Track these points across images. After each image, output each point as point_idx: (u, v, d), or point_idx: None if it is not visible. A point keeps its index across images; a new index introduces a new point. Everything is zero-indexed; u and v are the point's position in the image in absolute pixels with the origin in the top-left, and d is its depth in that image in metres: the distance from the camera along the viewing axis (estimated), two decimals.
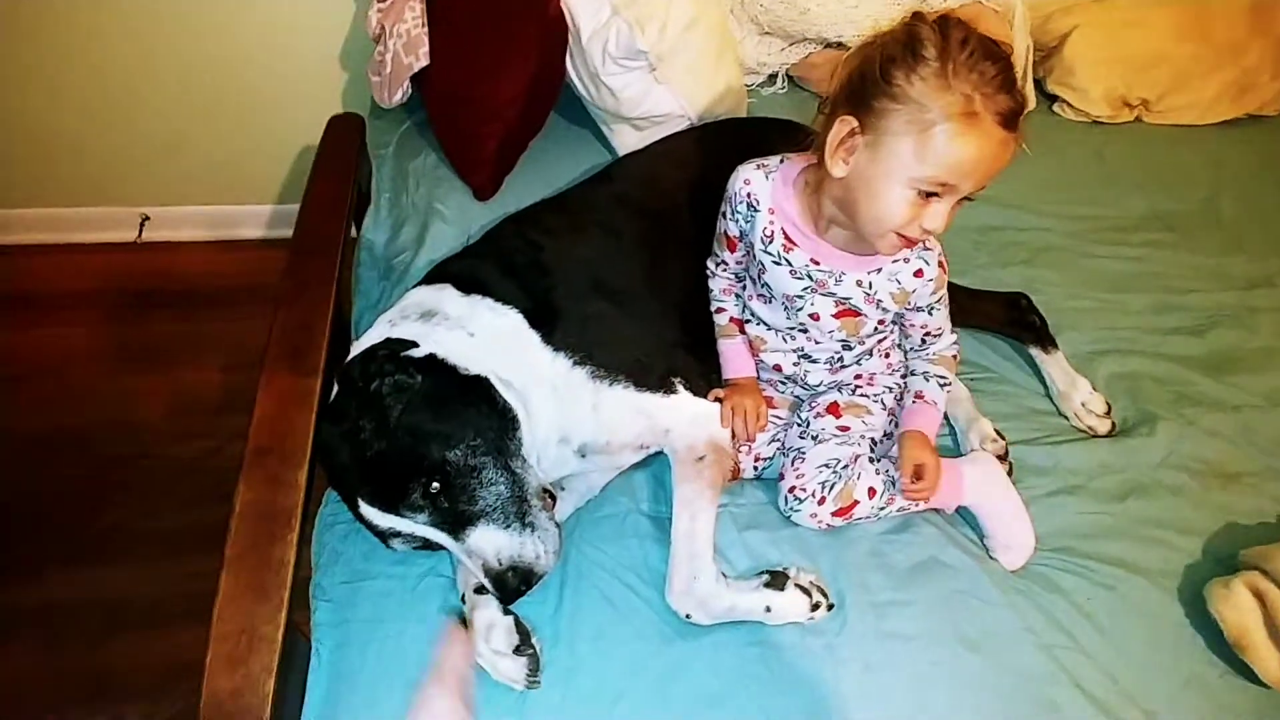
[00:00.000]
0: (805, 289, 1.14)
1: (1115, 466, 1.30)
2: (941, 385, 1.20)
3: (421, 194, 1.57)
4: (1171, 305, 1.58)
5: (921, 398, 1.20)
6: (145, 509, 1.76)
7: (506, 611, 0.98)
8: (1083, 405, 1.37)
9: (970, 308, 1.45)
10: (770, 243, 1.13)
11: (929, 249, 1.10)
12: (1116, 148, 1.94)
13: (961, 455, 1.30)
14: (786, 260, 1.13)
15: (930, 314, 1.17)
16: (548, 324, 1.15)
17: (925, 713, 1.01)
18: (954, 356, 1.23)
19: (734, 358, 1.26)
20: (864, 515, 1.14)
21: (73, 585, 1.64)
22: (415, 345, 1.05)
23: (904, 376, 1.25)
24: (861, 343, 1.20)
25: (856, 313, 1.14)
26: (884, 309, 1.14)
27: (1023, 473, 1.27)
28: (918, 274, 1.10)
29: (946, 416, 1.35)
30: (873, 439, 1.19)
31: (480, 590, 0.99)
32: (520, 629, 0.97)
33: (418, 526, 0.97)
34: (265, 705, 0.84)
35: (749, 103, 1.81)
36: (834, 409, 1.20)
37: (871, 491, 1.13)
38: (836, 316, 1.15)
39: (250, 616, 0.90)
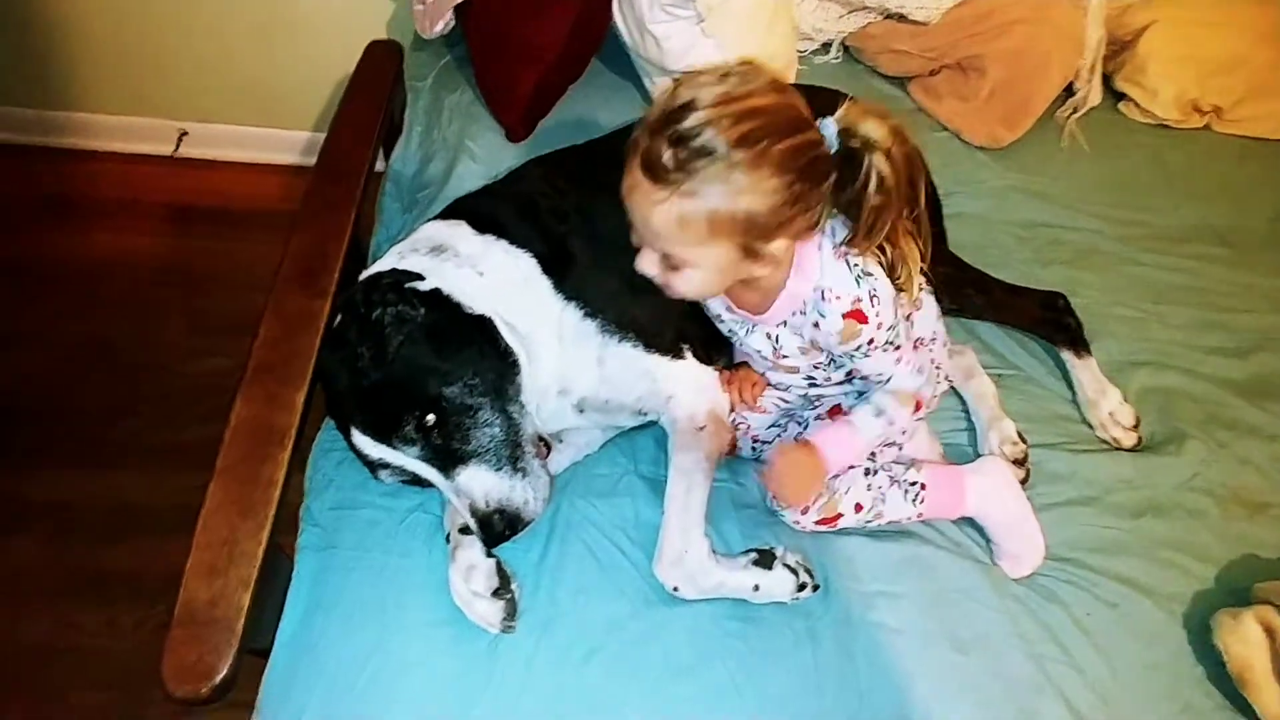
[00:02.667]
0: (729, 332, 1.12)
1: (1135, 482, 1.25)
2: (878, 414, 1.05)
3: (454, 130, 1.54)
4: (1216, 323, 1.51)
5: (839, 412, 1.11)
6: (160, 420, 1.79)
7: (489, 554, 0.97)
8: (1110, 415, 1.32)
9: (1005, 302, 1.40)
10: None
11: (828, 299, 0.96)
12: (1180, 154, 1.84)
13: (977, 453, 1.26)
14: (707, 305, 1.10)
15: (862, 359, 1.02)
16: (561, 272, 1.12)
17: (903, 707, 0.99)
18: (914, 394, 1.06)
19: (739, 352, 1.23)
20: (850, 525, 1.10)
21: (83, 485, 1.67)
22: (421, 278, 1.03)
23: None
24: (827, 377, 1.11)
25: (783, 361, 1.08)
26: (803, 356, 1.06)
27: (1039, 478, 1.23)
28: (815, 325, 0.99)
29: (967, 412, 1.31)
30: (872, 451, 1.12)
31: (465, 530, 0.98)
32: (501, 573, 0.96)
33: (408, 460, 0.96)
34: (239, 618, 0.84)
35: (799, 69, 1.74)
36: (835, 413, 1.15)
37: (858, 507, 1.09)
38: (768, 358, 1.10)
39: (233, 529, 0.90)
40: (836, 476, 1.09)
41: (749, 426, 1.19)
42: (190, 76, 2.20)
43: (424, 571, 0.99)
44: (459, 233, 1.13)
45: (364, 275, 1.10)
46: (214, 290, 2.05)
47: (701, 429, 1.10)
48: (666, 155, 0.83)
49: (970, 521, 1.17)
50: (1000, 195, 1.67)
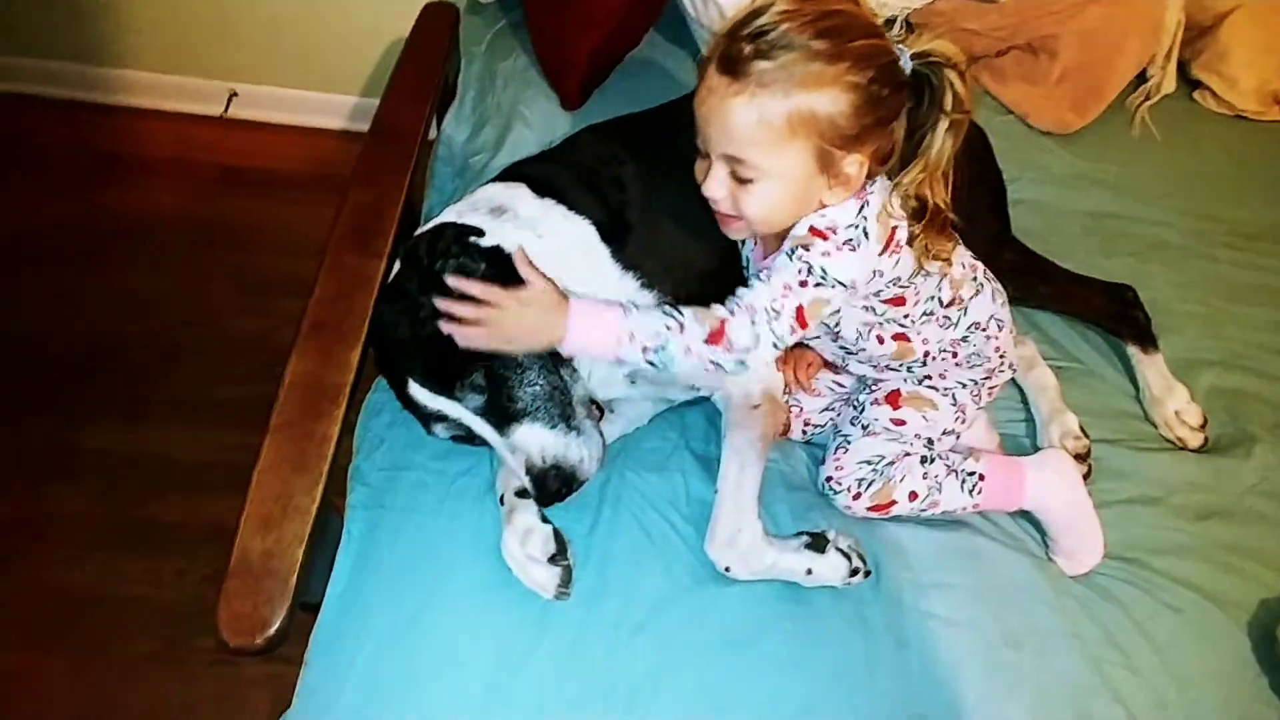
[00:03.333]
0: None
1: (1201, 484, 1.21)
2: (664, 315, 0.89)
3: (507, 96, 1.52)
4: None
5: (898, 396, 1.08)
6: (202, 378, 1.81)
7: (545, 520, 0.96)
8: (1176, 414, 1.27)
9: (1071, 293, 1.35)
10: (743, 245, 1.10)
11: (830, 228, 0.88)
12: (1258, 147, 1.76)
13: (1036, 446, 1.23)
14: (747, 259, 1.08)
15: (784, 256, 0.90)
16: (620, 240, 1.10)
17: (954, 700, 0.97)
18: (723, 322, 0.89)
19: None
20: (903, 514, 1.08)
21: (128, 438, 1.69)
22: (481, 233, 1.01)
23: (987, 371, 1.13)
24: (861, 348, 1.06)
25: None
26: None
27: (1100, 475, 1.19)
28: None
29: (1026, 404, 1.27)
30: (930, 437, 1.10)
31: (521, 494, 0.97)
32: (559, 539, 0.95)
33: (465, 413, 0.95)
34: (293, 571, 0.83)
35: None
36: (893, 398, 1.11)
37: (913, 495, 1.06)
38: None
39: (288, 485, 0.89)
40: (891, 464, 1.06)
41: (802, 409, 1.16)
42: (242, 37, 2.20)
43: (473, 534, 0.98)
44: (518, 195, 1.11)
45: (418, 235, 1.09)
46: (258, 252, 2.06)
47: (756, 407, 1.08)
48: (746, 49, 0.82)
49: (1027, 515, 1.14)
50: (1066, 183, 1.61)
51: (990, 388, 1.15)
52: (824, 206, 0.91)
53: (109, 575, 1.52)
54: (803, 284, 0.89)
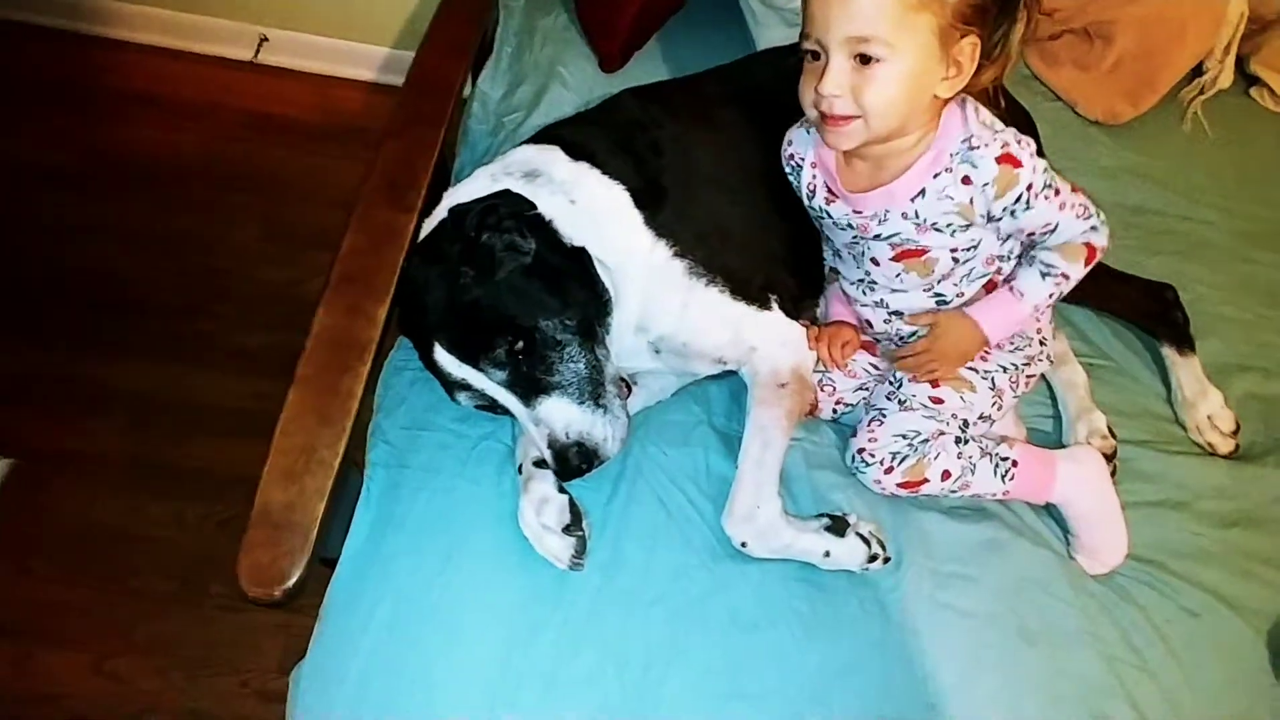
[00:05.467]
0: (854, 238, 1.07)
1: (1229, 491, 1.19)
2: (1045, 275, 1.03)
3: (546, 54, 1.49)
4: None
5: (1008, 285, 1.06)
6: (229, 324, 1.82)
7: (561, 490, 0.95)
8: (1208, 419, 1.25)
9: (1109, 289, 1.32)
10: (814, 197, 1.09)
11: (976, 147, 0.95)
12: None
13: (1060, 443, 1.21)
14: (828, 214, 1.07)
15: (1024, 212, 0.97)
16: (653, 206, 1.08)
17: (968, 694, 0.96)
18: (1087, 246, 1.02)
19: (834, 299, 1.20)
20: (932, 493, 1.07)
21: (157, 379, 1.71)
22: (533, 206, 1.00)
23: (1027, 357, 1.12)
24: (959, 293, 1.07)
25: (919, 250, 1.03)
26: (952, 233, 1.01)
27: (1126, 476, 1.17)
28: (965, 180, 0.96)
29: (1054, 399, 1.25)
30: (966, 419, 1.08)
31: (539, 464, 0.96)
32: (574, 510, 0.94)
33: (490, 383, 0.94)
34: (314, 525, 0.84)
35: None
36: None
37: (946, 474, 1.05)
38: (897, 259, 1.05)
39: (311, 437, 0.89)
40: (925, 440, 1.05)
41: (835, 388, 1.15)
42: None
43: (493, 499, 0.97)
44: (552, 158, 1.09)
45: (451, 194, 1.07)
46: (284, 200, 2.05)
47: (783, 386, 1.06)
48: None
49: (1051, 511, 1.12)
50: (1111, 175, 1.57)
51: (1028, 376, 1.13)
52: (938, 101, 0.95)
53: (134, 513, 1.55)
54: (1054, 189, 0.98)
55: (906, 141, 0.98)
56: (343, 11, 2.23)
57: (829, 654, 0.95)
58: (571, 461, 0.91)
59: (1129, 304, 1.34)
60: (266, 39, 2.30)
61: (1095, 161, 1.58)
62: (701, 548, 0.99)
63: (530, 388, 0.94)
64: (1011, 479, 1.07)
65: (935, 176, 0.98)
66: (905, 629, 0.98)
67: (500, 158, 1.11)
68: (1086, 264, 1.03)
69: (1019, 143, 0.96)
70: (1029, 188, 0.96)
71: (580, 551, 0.92)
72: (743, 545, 0.97)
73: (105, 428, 1.64)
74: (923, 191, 0.99)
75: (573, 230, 1.02)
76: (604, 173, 1.08)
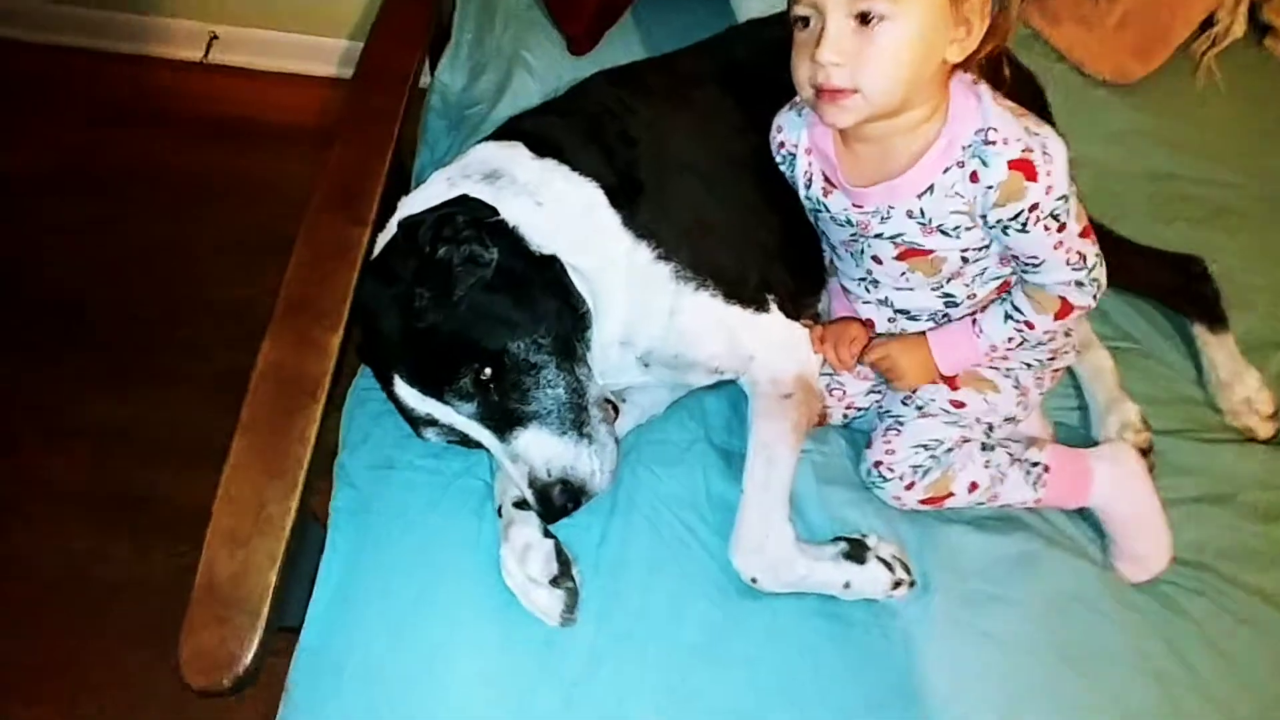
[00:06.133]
0: (853, 235, 0.96)
1: (1273, 481, 1.10)
2: (1008, 318, 0.93)
3: (508, 38, 1.37)
4: None
5: (971, 317, 0.97)
6: (188, 345, 1.72)
7: (547, 533, 0.85)
8: (1246, 401, 1.15)
9: (1131, 264, 1.21)
10: (810, 188, 0.98)
11: (993, 141, 0.83)
12: None
13: (1089, 437, 1.11)
14: (825, 207, 0.97)
15: (1017, 232, 0.86)
16: (631, 204, 0.97)
17: None
18: (1062, 300, 0.91)
19: (835, 295, 1.09)
20: (958, 506, 0.98)
21: (119, 408, 1.61)
22: (495, 212, 0.88)
23: (1052, 350, 1.01)
24: (970, 294, 0.97)
25: (924, 250, 0.93)
26: (958, 235, 0.90)
27: (1163, 469, 1.07)
28: (974, 177, 0.85)
29: (1080, 392, 1.15)
30: (990, 423, 0.99)
31: (520, 505, 0.86)
32: (561, 557, 0.84)
33: (458, 417, 0.84)
34: (265, 599, 0.73)
35: None
36: (951, 379, 1.00)
37: (973, 486, 0.96)
38: (901, 258, 0.95)
39: (259, 492, 0.79)
40: (949, 450, 0.95)
41: (844, 393, 1.05)
42: None
43: (472, 546, 0.87)
44: (515, 155, 0.97)
45: (407, 201, 0.96)
46: (244, 210, 1.93)
47: (788, 396, 0.96)
48: None
49: (1085, 514, 1.03)
50: (1121, 140, 1.46)
51: (1054, 370, 1.04)
52: (947, 66, 0.85)
53: (97, 556, 1.45)
54: (1060, 222, 0.86)
55: (913, 118, 0.87)
56: (297, 4, 2.10)
57: (853, 695, 0.86)
58: (555, 501, 0.81)
59: (1151, 280, 1.24)
60: (217, 37, 2.17)
61: (1105, 125, 1.47)
62: (706, 584, 0.89)
63: (504, 419, 0.83)
64: (1044, 486, 0.98)
65: (945, 171, 0.86)
66: (936, 662, 0.89)
67: (459, 158, 0.99)
68: (1057, 319, 0.92)
69: (1044, 153, 0.83)
70: (1033, 208, 0.84)
71: (572, 605, 0.82)
72: (753, 581, 0.88)
73: (65, 463, 1.54)
74: (930, 188, 0.88)
75: (541, 236, 0.91)
76: (573, 169, 0.97)
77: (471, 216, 0.86)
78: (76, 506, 1.50)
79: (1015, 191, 0.83)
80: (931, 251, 0.93)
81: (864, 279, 1.02)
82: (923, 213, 0.90)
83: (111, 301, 1.75)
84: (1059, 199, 0.84)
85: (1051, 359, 1.02)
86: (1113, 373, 1.15)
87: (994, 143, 0.83)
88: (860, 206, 0.93)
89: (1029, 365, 1.01)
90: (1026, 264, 0.90)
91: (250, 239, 1.86)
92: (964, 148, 0.85)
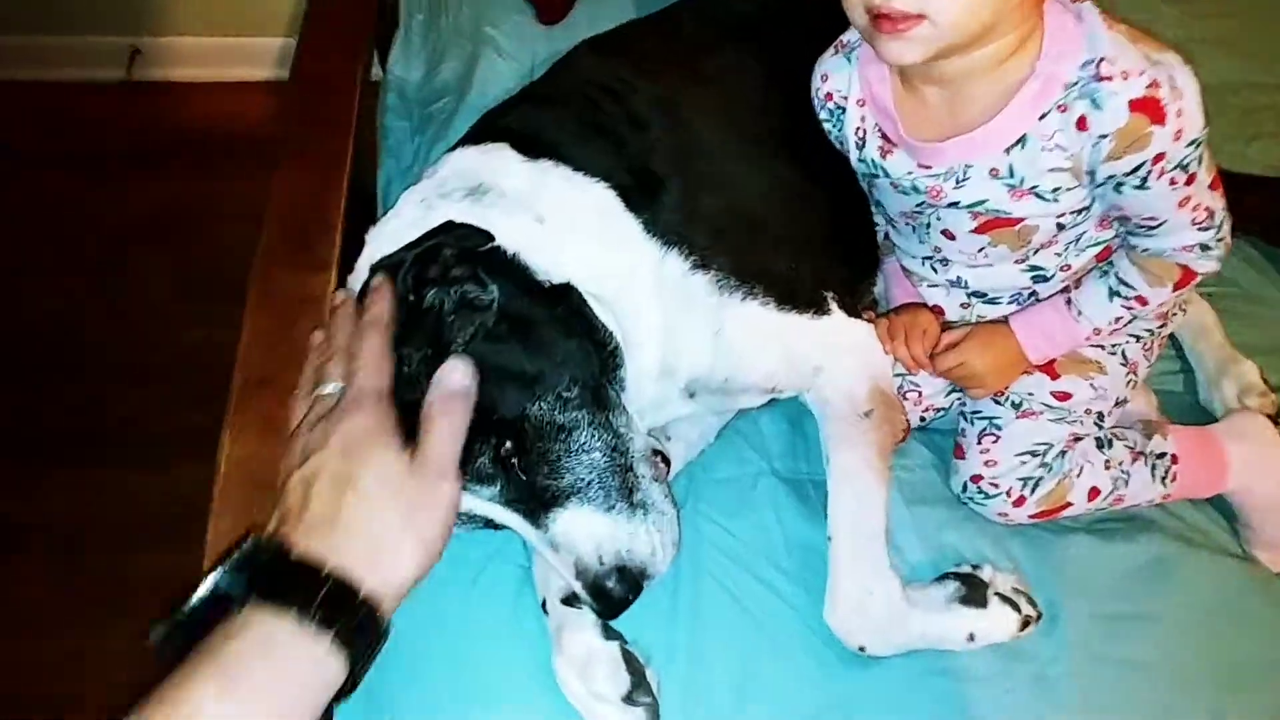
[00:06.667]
0: (918, 205, 0.79)
1: None
2: (1114, 294, 0.78)
3: (467, 15, 1.17)
4: None
5: (1065, 295, 0.81)
6: (154, 405, 1.53)
7: (608, 631, 0.69)
8: None
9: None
10: (863, 148, 0.81)
11: (1107, 77, 0.66)
12: None
13: (1198, 405, 0.97)
14: (884, 170, 0.80)
15: (1133, 190, 0.70)
16: (652, 205, 0.79)
17: None
18: (1183, 269, 0.76)
19: (895, 278, 0.93)
20: (1077, 514, 0.84)
21: (78, 491, 1.44)
22: (488, 237, 0.71)
23: (1161, 315, 0.86)
24: (1063, 265, 0.81)
25: (1010, 220, 0.76)
26: (1057, 198, 0.73)
27: None
28: (1080, 124, 0.68)
29: (1183, 356, 1.00)
30: (1101, 411, 0.84)
31: (569, 600, 0.70)
32: (633, 665, 0.68)
33: (480, 503, 0.68)
34: None
35: None
36: (1049, 365, 0.84)
37: (1094, 492, 0.82)
38: (980, 231, 0.78)
39: None
40: (1061, 454, 0.80)
41: (921, 394, 0.89)
42: None
43: (519, 652, 0.71)
44: (502, 160, 0.79)
45: (373, 235, 0.77)
46: (193, 243, 1.74)
47: (867, 414, 0.80)
48: None
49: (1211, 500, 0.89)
50: (1181, 49, 1.28)
51: (1163, 338, 0.89)
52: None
53: (73, 663, 1.29)
54: (1188, 173, 0.69)
55: (998, 51, 0.69)
56: (222, 5, 1.88)
57: None
58: (614, 595, 0.65)
59: (1244, 210, 1.06)
60: (139, 51, 1.96)
61: (1160, 34, 1.28)
62: (802, 656, 0.74)
63: (537, 499, 0.67)
64: (1173, 480, 0.85)
65: (1042, 117, 0.69)
66: (1082, 703, 0.75)
67: (431, 171, 0.80)
68: (1175, 290, 0.77)
69: (1172, 87, 0.66)
70: (1157, 159, 0.67)
71: None
72: (860, 649, 0.73)
73: (24, 562, 1.37)
74: (1022, 140, 0.71)
75: (548, 260, 0.74)
76: (575, 168, 0.79)
77: (460, 248, 0.69)
78: (42, 611, 1.34)
79: (1137, 139, 0.66)
80: (1020, 220, 0.76)
81: (930, 257, 0.85)
82: (1012, 171, 0.73)
83: (54, 365, 1.56)
84: (1190, 144, 0.68)
85: (1163, 326, 0.87)
86: (1218, 327, 1.00)
87: (1109, 78, 0.66)
88: (928, 168, 0.76)
89: (1138, 338, 0.86)
90: (1139, 227, 0.74)
91: (205, 276, 1.66)
92: (1067, 86, 0.68)
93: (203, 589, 0.55)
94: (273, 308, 0.76)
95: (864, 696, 0.72)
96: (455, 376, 0.63)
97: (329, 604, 0.52)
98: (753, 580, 0.77)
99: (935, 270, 0.87)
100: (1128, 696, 0.76)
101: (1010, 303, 0.85)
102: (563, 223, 0.76)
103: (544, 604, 0.72)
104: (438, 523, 0.59)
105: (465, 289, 0.67)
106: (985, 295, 0.86)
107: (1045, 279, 0.82)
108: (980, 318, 0.86)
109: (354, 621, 0.53)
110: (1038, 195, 0.74)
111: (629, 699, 0.66)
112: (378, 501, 0.57)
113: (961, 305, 0.87)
